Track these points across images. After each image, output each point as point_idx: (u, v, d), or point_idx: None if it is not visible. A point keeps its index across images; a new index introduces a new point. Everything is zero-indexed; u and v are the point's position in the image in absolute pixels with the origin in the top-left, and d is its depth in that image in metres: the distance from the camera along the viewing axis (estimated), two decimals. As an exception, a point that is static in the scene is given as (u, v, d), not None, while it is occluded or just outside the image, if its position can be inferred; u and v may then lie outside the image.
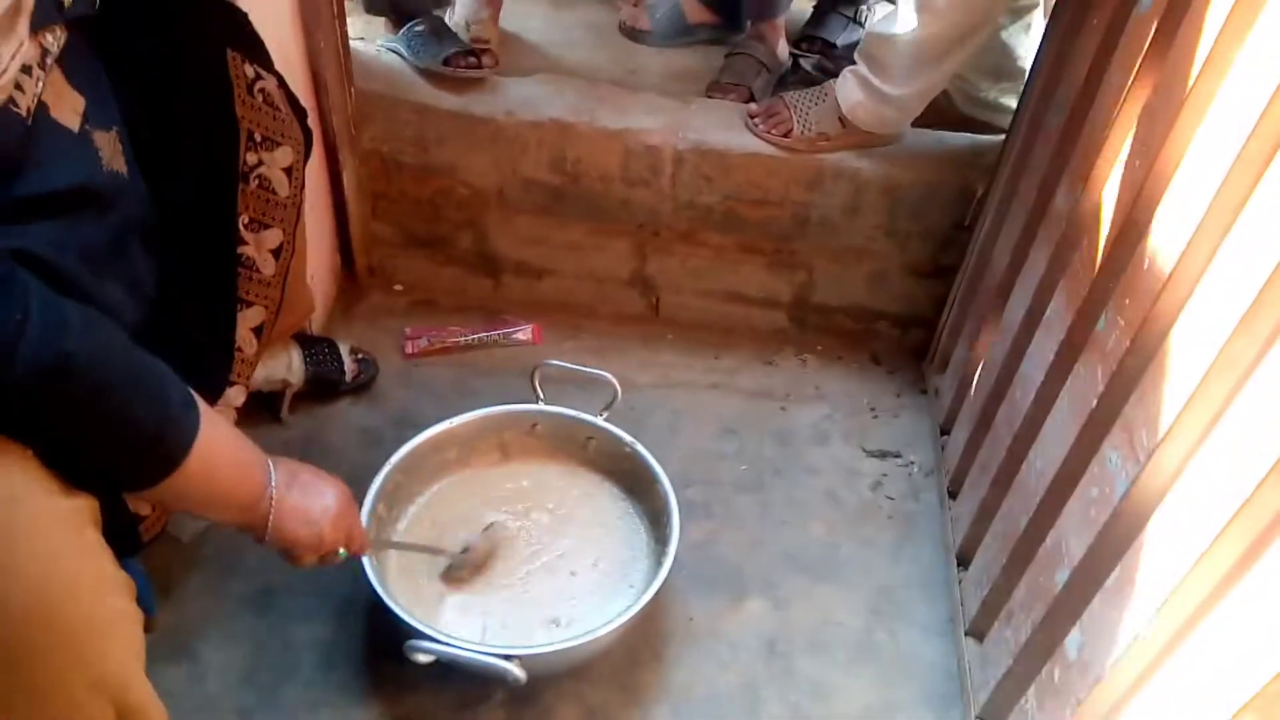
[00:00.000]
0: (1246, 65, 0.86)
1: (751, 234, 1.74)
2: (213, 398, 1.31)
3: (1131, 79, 1.07)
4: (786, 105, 1.64)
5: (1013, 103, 1.75)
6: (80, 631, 0.77)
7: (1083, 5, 1.28)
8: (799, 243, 1.74)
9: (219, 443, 0.92)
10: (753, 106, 1.67)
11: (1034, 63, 1.48)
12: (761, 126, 1.64)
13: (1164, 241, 0.95)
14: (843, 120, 1.61)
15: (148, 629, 1.28)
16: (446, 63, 1.65)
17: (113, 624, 0.83)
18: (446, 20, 1.77)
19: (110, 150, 0.97)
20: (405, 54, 1.71)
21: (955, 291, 1.68)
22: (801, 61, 1.90)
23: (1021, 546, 1.18)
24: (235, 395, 1.36)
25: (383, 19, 1.83)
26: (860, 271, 1.76)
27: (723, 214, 1.71)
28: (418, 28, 1.71)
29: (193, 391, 0.90)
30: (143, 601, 1.27)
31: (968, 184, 1.64)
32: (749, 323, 1.85)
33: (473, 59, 1.67)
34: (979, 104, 1.81)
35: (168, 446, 0.85)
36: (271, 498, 1.00)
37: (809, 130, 1.62)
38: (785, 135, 1.62)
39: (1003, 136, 1.59)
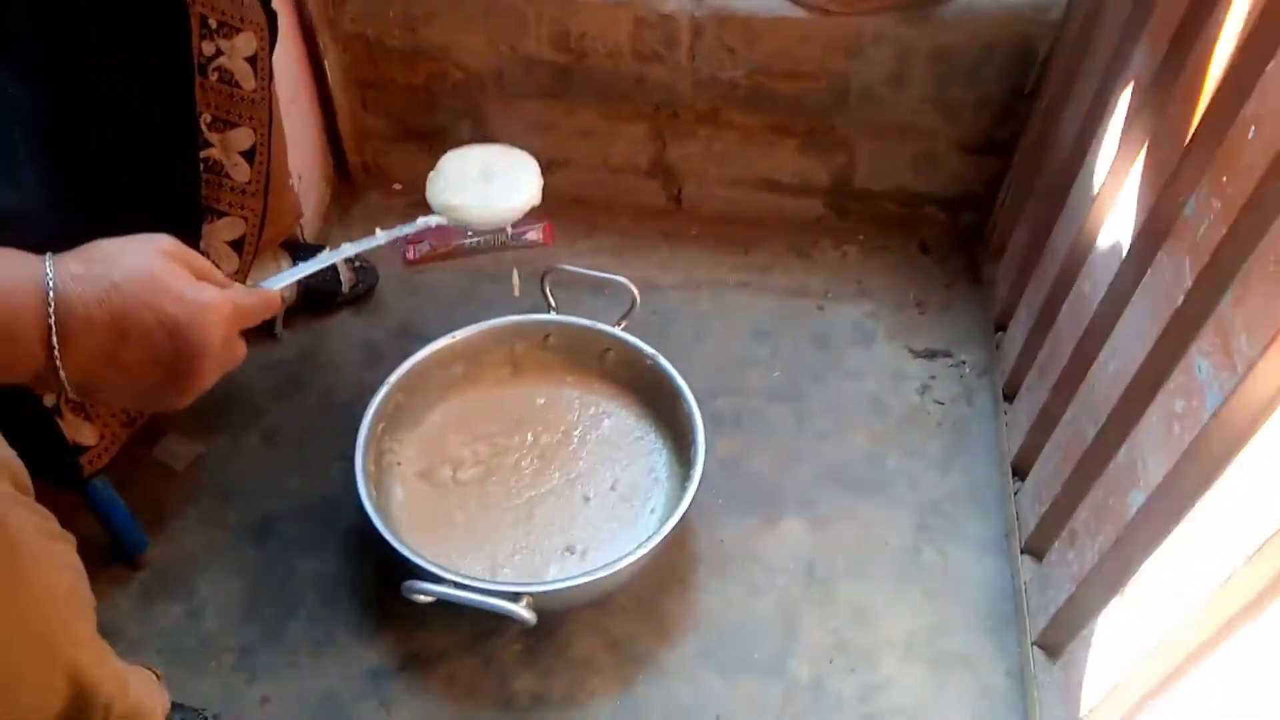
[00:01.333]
0: None
1: (782, 112, 1.55)
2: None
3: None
4: None
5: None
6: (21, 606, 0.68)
7: None
8: (837, 119, 1.55)
9: None
10: None
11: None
12: None
13: (1274, 105, 0.77)
14: None
15: (138, 566, 1.23)
16: None
17: (55, 593, 0.73)
18: None
19: None
20: None
21: (1013, 169, 1.50)
22: None
23: (1088, 460, 1.05)
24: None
25: None
26: (906, 150, 1.58)
27: (749, 90, 1.53)
28: None
29: None
30: (129, 538, 1.21)
31: (1029, 45, 1.43)
32: (782, 212, 1.69)
33: None
34: None
35: None
36: (52, 334, 0.57)
37: None
38: None
39: (1070, -12, 1.38)
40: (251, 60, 1.17)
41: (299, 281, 1.45)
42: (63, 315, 0.58)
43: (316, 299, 1.49)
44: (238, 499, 1.29)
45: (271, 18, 1.19)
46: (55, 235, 0.62)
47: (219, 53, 1.13)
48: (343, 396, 1.41)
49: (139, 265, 0.61)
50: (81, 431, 1.04)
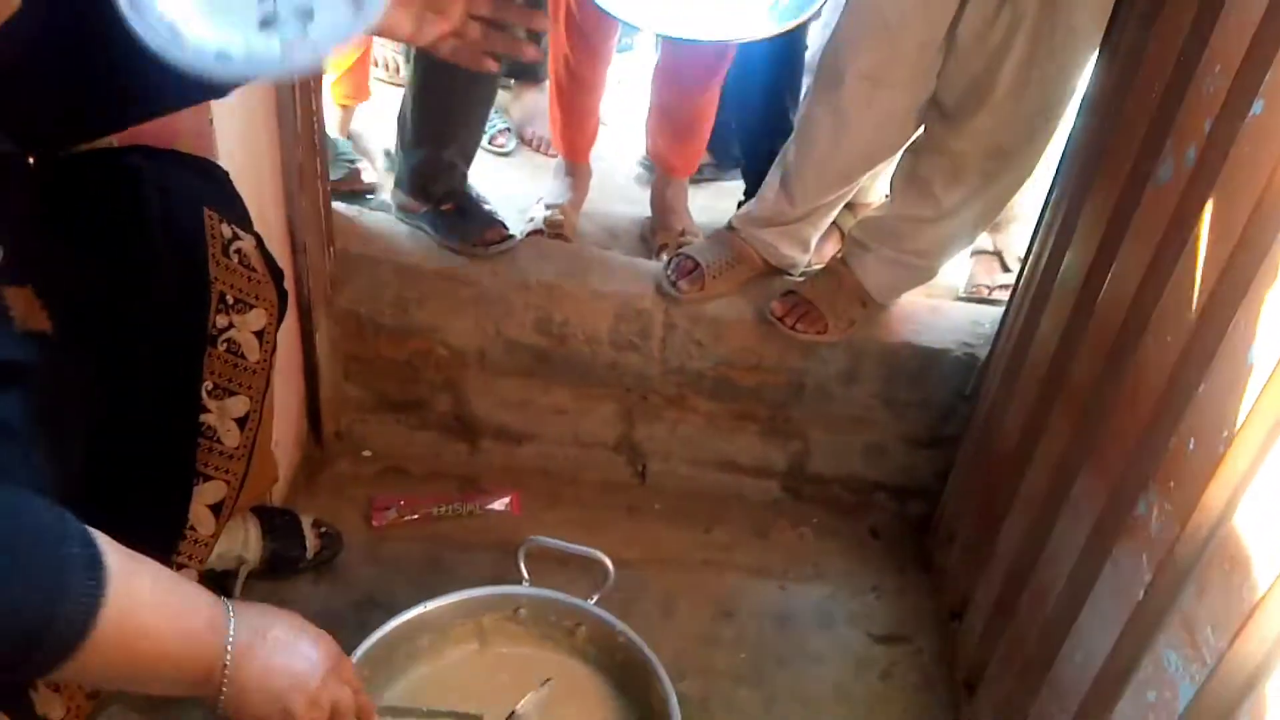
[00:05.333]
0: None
1: (744, 401, 1.67)
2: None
3: (1154, 252, 1.03)
4: (808, 300, 1.57)
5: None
6: None
7: (1086, 179, 1.26)
8: (794, 410, 1.67)
9: (143, 603, 0.76)
10: (775, 305, 1.58)
11: (1033, 237, 1.46)
12: (799, 327, 1.56)
13: (1209, 420, 0.88)
14: (865, 302, 1.58)
15: None
16: (475, 243, 1.61)
17: None
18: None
19: (24, 308, 0.88)
20: (431, 233, 1.66)
21: (959, 464, 1.61)
22: None
23: (1063, 754, 1.06)
24: (185, 579, 1.22)
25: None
26: (857, 441, 1.69)
27: (714, 380, 1.65)
28: (444, 207, 1.66)
29: (101, 540, 0.74)
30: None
31: (968, 353, 1.59)
32: (741, 493, 1.76)
33: (505, 233, 1.63)
34: None
35: (60, 625, 0.70)
36: (226, 666, 0.80)
37: (840, 320, 1.57)
38: (821, 333, 1.57)
39: (1002, 308, 1.56)
40: (259, 334, 1.22)
41: (263, 544, 1.44)
42: (231, 676, 0.81)
43: (279, 563, 1.46)
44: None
45: (283, 297, 1.27)
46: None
47: (231, 325, 1.19)
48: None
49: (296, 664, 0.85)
50: (52, 704, 0.99)
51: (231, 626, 0.82)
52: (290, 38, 0.81)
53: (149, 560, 0.79)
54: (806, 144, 1.52)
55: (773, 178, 1.60)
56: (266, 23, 0.81)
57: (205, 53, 0.78)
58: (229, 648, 0.81)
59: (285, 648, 0.86)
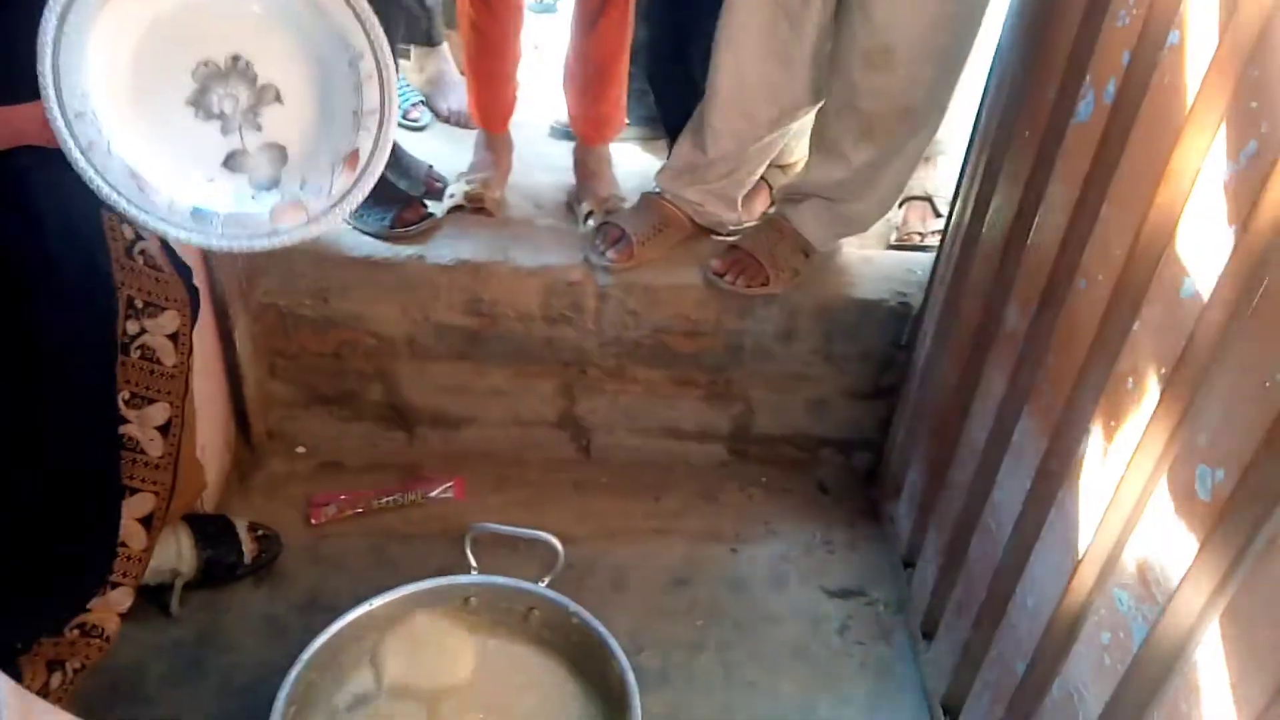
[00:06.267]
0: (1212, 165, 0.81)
1: (684, 366, 1.64)
2: (86, 604, 1.14)
3: (1079, 191, 1.03)
4: (748, 253, 1.55)
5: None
6: None
7: (1007, 121, 1.26)
8: (734, 372, 1.65)
9: None
10: (715, 263, 1.55)
11: (959, 183, 1.45)
12: (740, 282, 1.54)
13: (1146, 357, 0.88)
14: (807, 252, 1.56)
15: None
16: (393, 225, 1.56)
17: None
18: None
19: None
20: (351, 222, 1.59)
21: (900, 413, 1.61)
22: None
23: (1021, 696, 1.07)
24: (120, 599, 1.18)
25: None
26: (799, 398, 1.68)
27: (652, 348, 1.62)
28: None
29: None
30: None
31: (902, 302, 1.59)
32: (688, 459, 1.74)
33: (423, 211, 1.58)
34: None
35: None
36: None
37: (783, 272, 1.55)
38: (764, 285, 1.55)
39: (933, 254, 1.55)
40: (173, 337, 1.17)
41: (197, 553, 1.39)
42: None
43: (216, 571, 1.41)
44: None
45: (194, 294, 1.21)
46: None
47: (143, 330, 1.13)
48: (244, 679, 1.31)
49: None
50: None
51: None
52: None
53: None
54: (712, 89, 1.49)
55: (686, 129, 1.58)
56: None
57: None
58: None
59: None
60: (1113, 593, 0.90)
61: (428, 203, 1.63)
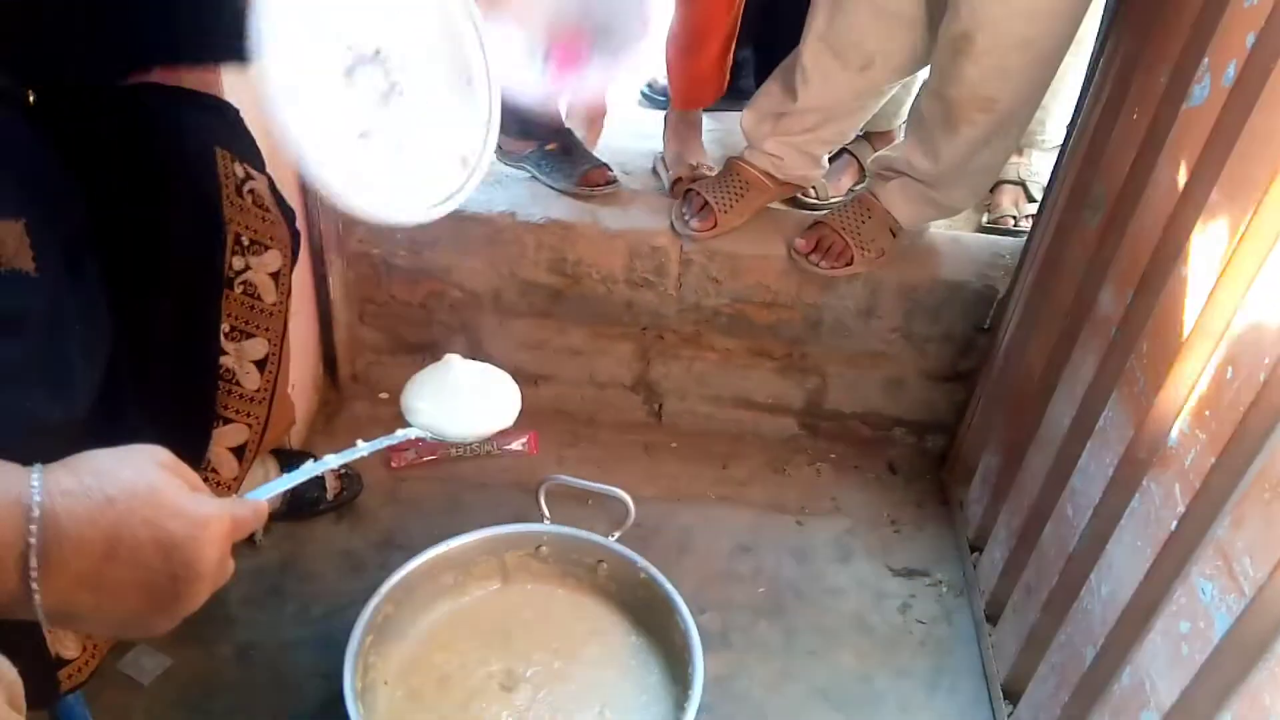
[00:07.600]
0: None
1: (761, 337, 1.65)
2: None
3: (1188, 176, 1.01)
4: (836, 230, 1.54)
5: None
6: None
7: (1113, 105, 1.23)
8: (811, 346, 1.65)
9: None
10: (799, 242, 1.55)
11: (1057, 165, 1.43)
12: (824, 264, 1.54)
13: (1249, 348, 0.87)
14: (894, 231, 1.55)
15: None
16: (581, 182, 1.60)
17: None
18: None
19: (14, 245, 0.83)
20: (536, 174, 1.66)
21: (977, 397, 1.60)
22: None
23: (1088, 682, 1.07)
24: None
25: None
26: (875, 376, 1.68)
27: (730, 316, 1.63)
28: (548, 146, 1.64)
29: None
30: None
31: (987, 285, 1.57)
32: (758, 430, 1.75)
33: (609, 173, 1.62)
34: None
35: None
36: (31, 557, 0.53)
37: (869, 251, 1.54)
38: (849, 264, 1.54)
39: (1024, 238, 1.53)
40: (274, 275, 1.21)
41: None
42: (50, 537, 0.52)
43: (300, 505, 1.47)
44: (209, 715, 1.22)
45: (295, 236, 1.25)
46: (75, 440, 0.60)
47: (247, 267, 1.17)
48: (321, 608, 1.37)
49: (138, 479, 0.57)
50: (64, 643, 0.99)
51: (36, 488, 0.54)
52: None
53: None
54: (808, 27, 1.47)
55: (777, 70, 1.57)
56: None
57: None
58: (34, 526, 0.53)
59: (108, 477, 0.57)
60: (1195, 582, 0.89)
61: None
